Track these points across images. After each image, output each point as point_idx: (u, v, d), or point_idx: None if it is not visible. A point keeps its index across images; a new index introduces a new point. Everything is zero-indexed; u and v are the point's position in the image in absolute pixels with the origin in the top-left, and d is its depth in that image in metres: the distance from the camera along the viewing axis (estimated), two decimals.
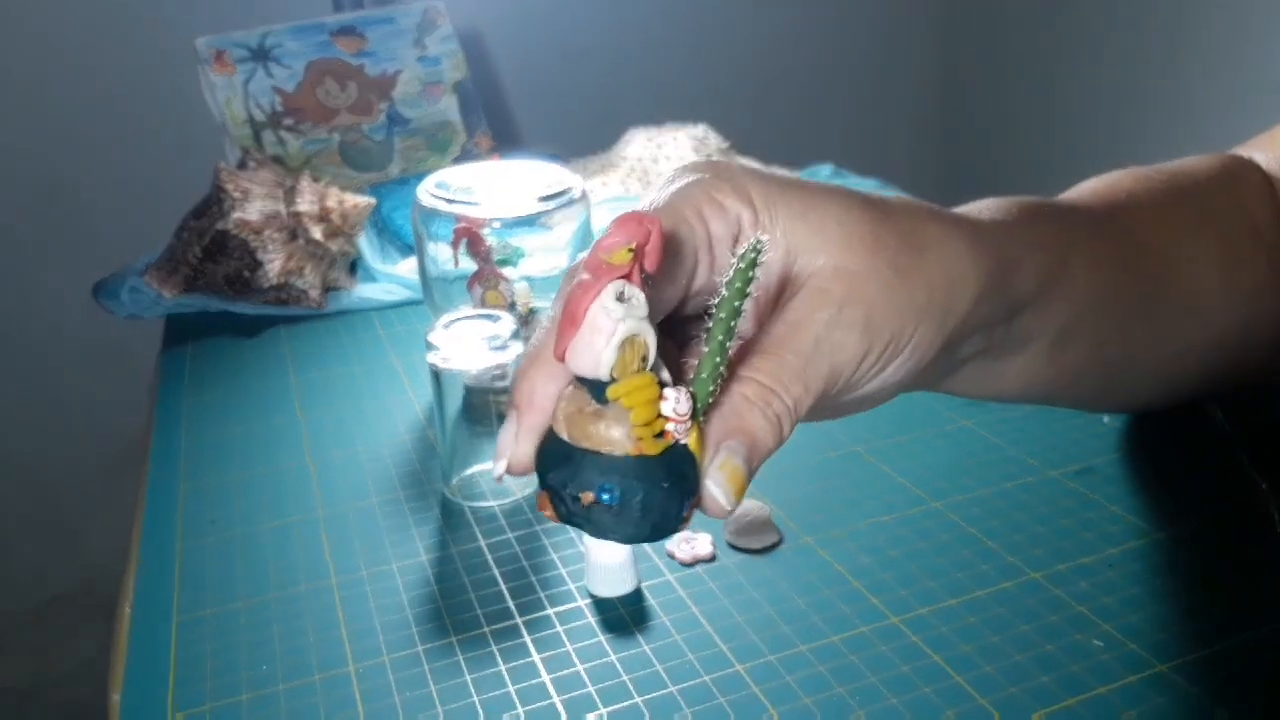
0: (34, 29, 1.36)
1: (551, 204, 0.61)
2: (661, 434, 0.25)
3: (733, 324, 0.25)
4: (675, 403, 0.24)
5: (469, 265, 0.62)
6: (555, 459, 0.25)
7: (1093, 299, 0.40)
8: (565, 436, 0.25)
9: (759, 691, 0.40)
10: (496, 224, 0.60)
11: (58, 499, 1.53)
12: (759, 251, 0.25)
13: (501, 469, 0.27)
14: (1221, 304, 0.46)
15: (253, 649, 0.44)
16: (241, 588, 0.48)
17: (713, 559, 0.48)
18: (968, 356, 0.37)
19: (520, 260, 0.62)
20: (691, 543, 0.48)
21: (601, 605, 0.45)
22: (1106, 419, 0.57)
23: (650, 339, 0.24)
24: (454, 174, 0.65)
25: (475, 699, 0.40)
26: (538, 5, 1.55)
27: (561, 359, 0.25)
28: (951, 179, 1.91)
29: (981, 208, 0.37)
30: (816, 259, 0.30)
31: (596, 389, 0.25)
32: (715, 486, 0.26)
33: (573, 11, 1.58)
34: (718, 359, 0.25)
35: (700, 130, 0.99)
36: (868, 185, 1.00)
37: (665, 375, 0.26)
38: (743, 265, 0.24)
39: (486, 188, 0.62)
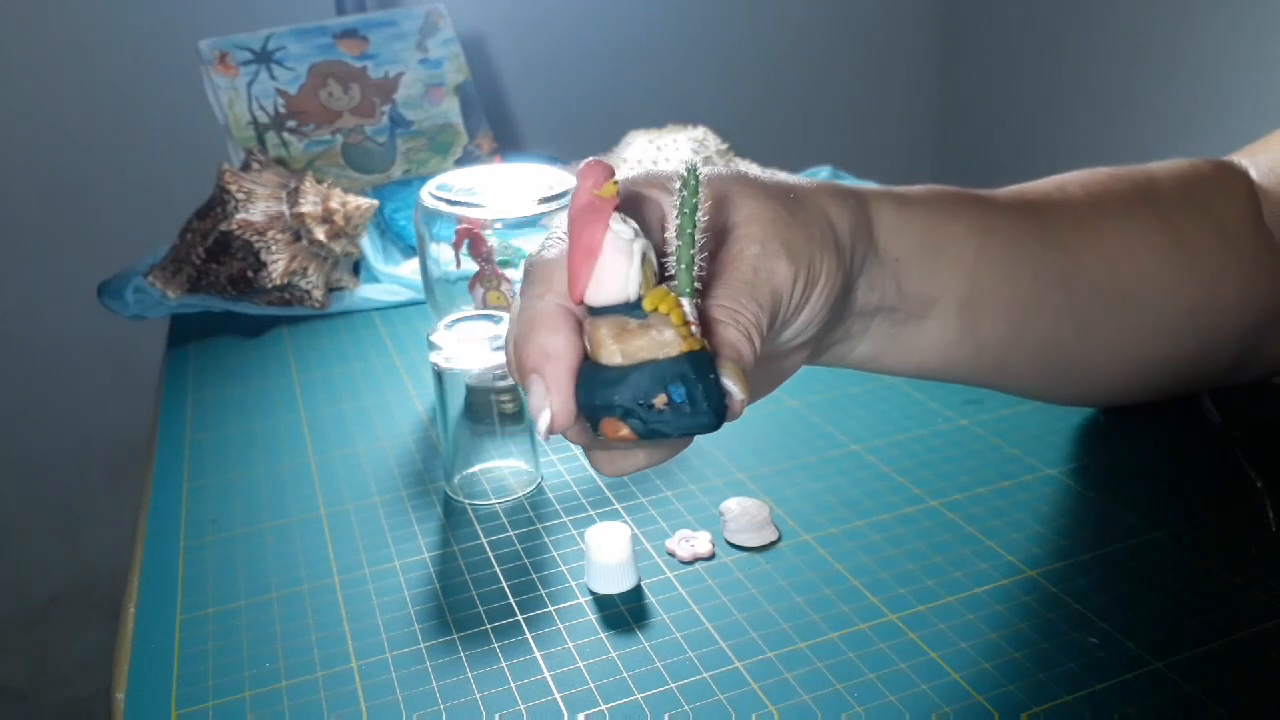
0: (37, 30, 1.36)
1: (552, 205, 0.61)
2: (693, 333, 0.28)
3: (694, 237, 0.28)
4: (691, 308, 0.28)
5: (471, 266, 0.62)
6: (610, 384, 0.27)
7: (994, 270, 0.42)
8: (619, 358, 0.27)
9: (758, 688, 0.40)
10: (498, 225, 0.61)
11: (60, 499, 1.53)
12: (693, 172, 0.27)
13: (545, 423, 0.29)
14: (1166, 288, 0.46)
15: (256, 647, 0.44)
16: (244, 586, 0.48)
17: (712, 557, 0.48)
18: (865, 309, 0.40)
19: (521, 261, 0.63)
20: (691, 541, 0.48)
21: (602, 602, 0.46)
22: (1102, 418, 0.57)
23: (653, 255, 0.28)
24: (456, 176, 0.65)
25: (477, 695, 0.41)
26: (539, 8, 1.55)
27: (580, 300, 0.27)
28: (950, 180, 1.91)
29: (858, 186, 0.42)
30: (729, 215, 0.34)
31: (627, 309, 0.27)
32: (729, 382, 0.29)
33: (574, 14, 1.58)
34: (690, 273, 0.28)
35: (699, 132, 1.00)
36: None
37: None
38: (684, 190, 0.27)
39: (488, 189, 0.63)
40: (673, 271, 0.28)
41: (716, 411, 0.27)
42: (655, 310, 0.27)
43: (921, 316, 0.42)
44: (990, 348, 0.44)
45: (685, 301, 0.28)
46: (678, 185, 0.28)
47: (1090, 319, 0.45)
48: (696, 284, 0.29)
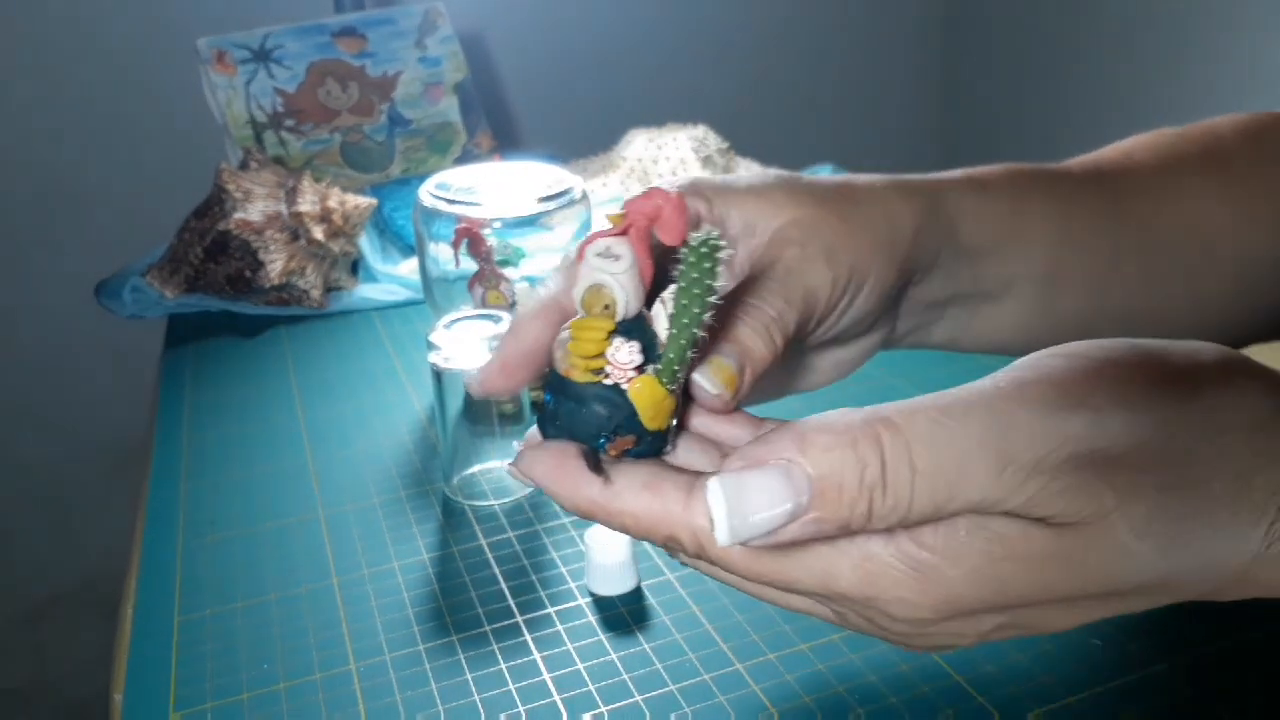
0: (35, 30, 1.36)
1: (552, 204, 0.61)
2: (601, 371, 0.28)
3: (697, 311, 0.27)
4: (615, 350, 0.28)
5: (470, 266, 0.62)
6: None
7: (1072, 245, 0.42)
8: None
9: (759, 690, 0.40)
10: (497, 224, 0.61)
11: (59, 499, 1.53)
12: (707, 240, 0.26)
13: (473, 381, 0.31)
14: (1241, 240, 0.46)
15: (254, 648, 0.44)
16: (243, 587, 0.48)
17: None
18: (940, 299, 0.40)
19: (521, 260, 0.63)
20: None
21: (601, 604, 0.45)
22: None
23: (618, 293, 0.28)
24: (455, 175, 0.65)
25: (476, 697, 0.40)
26: (538, 6, 1.55)
27: None
28: None
29: (928, 175, 0.41)
30: (772, 222, 0.34)
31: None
32: (701, 377, 0.29)
33: (573, 12, 1.58)
34: (683, 341, 0.28)
35: (700, 131, 0.99)
36: None
37: (656, 329, 0.29)
38: (691, 255, 0.27)
39: (487, 188, 0.63)
40: (665, 339, 0.28)
41: (572, 435, 0.28)
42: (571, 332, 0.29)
43: (999, 298, 0.41)
44: (1070, 320, 0.43)
45: (622, 345, 0.28)
46: (684, 254, 0.26)
47: (1170, 281, 0.45)
48: (688, 357, 0.28)
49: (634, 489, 0.26)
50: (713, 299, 0.27)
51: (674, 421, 0.29)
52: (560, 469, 0.27)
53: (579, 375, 0.28)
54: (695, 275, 0.27)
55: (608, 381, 0.28)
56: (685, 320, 0.27)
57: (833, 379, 0.39)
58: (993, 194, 0.40)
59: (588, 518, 0.27)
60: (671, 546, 0.27)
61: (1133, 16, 1.55)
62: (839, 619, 0.27)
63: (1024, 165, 0.44)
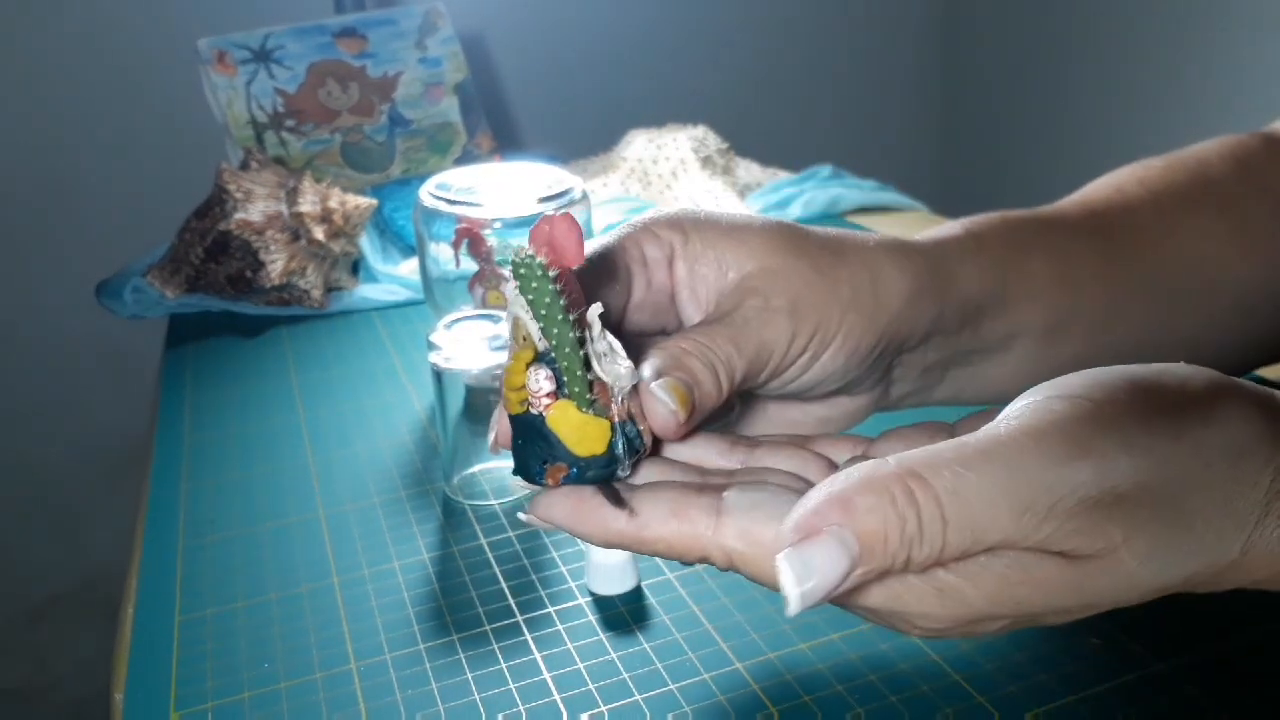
0: (36, 29, 1.36)
1: (552, 205, 0.61)
2: (526, 401, 0.29)
3: (557, 331, 0.27)
4: (528, 378, 0.29)
5: (470, 266, 0.62)
6: None
7: (1071, 294, 0.42)
8: None
9: (758, 689, 0.40)
10: (498, 224, 0.61)
11: (59, 499, 1.53)
12: (521, 261, 0.27)
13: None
14: (1234, 271, 0.47)
15: (254, 648, 0.44)
16: (243, 587, 0.48)
17: None
18: (939, 363, 0.39)
19: None
20: None
21: (602, 603, 0.45)
22: None
23: (529, 323, 0.28)
24: (455, 175, 0.65)
25: (476, 697, 0.40)
26: (538, 6, 1.55)
27: None
28: (950, 180, 1.91)
29: (926, 233, 0.40)
30: (745, 266, 0.34)
31: None
32: (660, 390, 0.30)
33: (573, 13, 1.58)
34: (565, 363, 0.28)
35: (700, 131, 0.99)
36: (866, 186, 1.00)
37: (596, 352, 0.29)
38: (519, 282, 0.27)
39: (487, 188, 0.63)
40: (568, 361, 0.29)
41: (516, 466, 0.29)
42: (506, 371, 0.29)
43: (1000, 352, 0.41)
44: (1070, 365, 0.43)
45: (533, 374, 0.28)
46: (518, 281, 0.27)
47: (1169, 317, 0.45)
48: (580, 375, 0.28)
49: (661, 518, 0.28)
50: (573, 315, 0.27)
51: (619, 444, 0.29)
52: (580, 509, 0.28)
53: (513, 408, 0.29)
54: (533, 297, 0.27)
55: (533, 411, 0.29)
56: (555, 342, 0.28)
57: (822, 428, 0.39)
58: (990, 252, 0.40)
59: (616, 548, 0.28)
60: (702, 564, 0.28)
61: (1132, 17, 1.55)
62: (859, 616, 0.29)
63: (1019, 213, 0.43)
